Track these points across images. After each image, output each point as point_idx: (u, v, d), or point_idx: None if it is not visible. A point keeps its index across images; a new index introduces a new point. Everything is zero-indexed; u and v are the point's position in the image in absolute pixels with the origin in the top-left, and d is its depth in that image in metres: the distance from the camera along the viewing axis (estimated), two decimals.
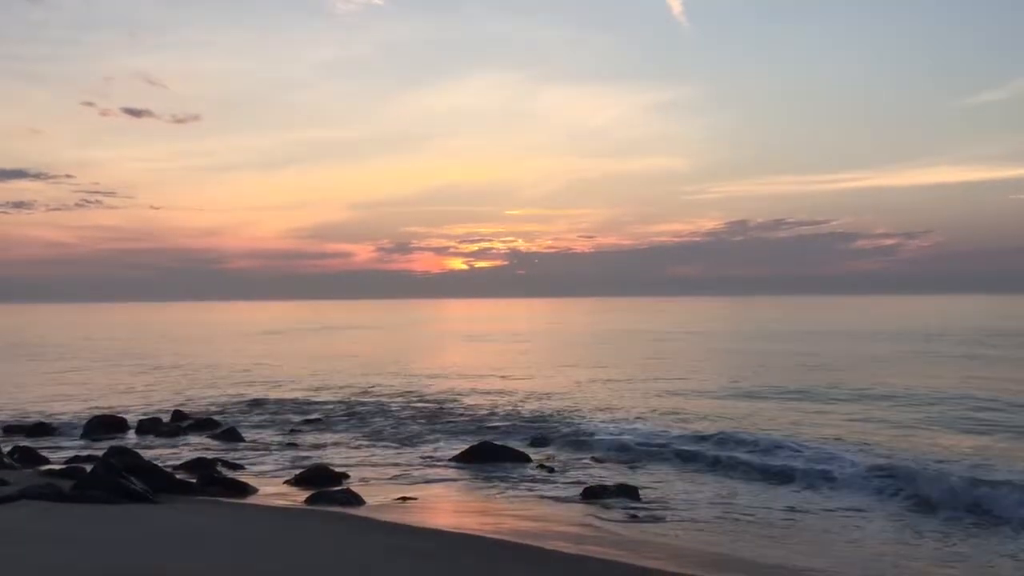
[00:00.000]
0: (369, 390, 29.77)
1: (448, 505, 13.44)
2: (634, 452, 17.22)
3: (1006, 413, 21.40)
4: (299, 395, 28.46)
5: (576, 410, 23.80)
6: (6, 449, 17.18)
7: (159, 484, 13.59)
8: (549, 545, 10.41)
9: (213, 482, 14.44)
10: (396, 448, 18.61)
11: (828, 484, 14.09)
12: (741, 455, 16.38)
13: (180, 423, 22.50)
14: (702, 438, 18.28)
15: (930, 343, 50.60)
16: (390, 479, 15.40)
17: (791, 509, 12.63)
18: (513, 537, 10.87)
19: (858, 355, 42.16)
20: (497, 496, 13.95)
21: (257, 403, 26.62)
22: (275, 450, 18.70)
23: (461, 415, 23.38)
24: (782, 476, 14.73)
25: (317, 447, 18.92)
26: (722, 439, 17.99)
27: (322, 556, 8.92)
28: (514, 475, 15.51)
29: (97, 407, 25.46)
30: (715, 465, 15.80)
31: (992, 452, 16.33)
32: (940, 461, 15.25)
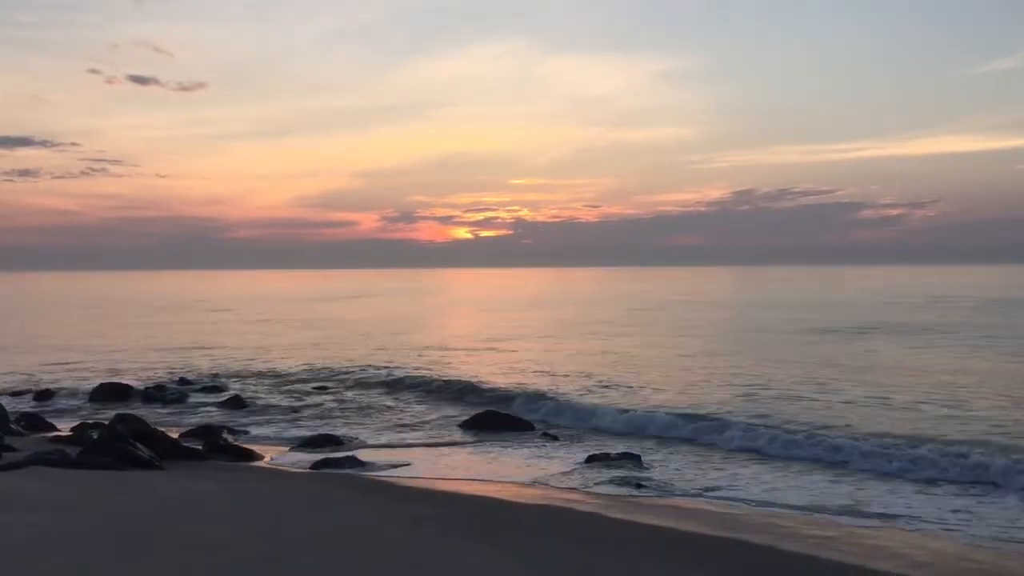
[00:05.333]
0: (372, 358, 29.85)
1: (453, 471, 13.50)
2: (635, 423, 17.20)
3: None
4: (302, 363, 28.55)
5: (575, 381, 23.86)
6: (13, 416, 17.27)
7: (165, 450, 13.69)
8: (557, 508, 10.53)
9: (219, 448, 14.55)
10: (399, 415, 18.70)
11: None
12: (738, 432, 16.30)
13: (185, 390, 22.62)
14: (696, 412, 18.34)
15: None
16: (395, 445, 15.49)
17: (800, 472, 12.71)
18: (520, 500, 11.00)
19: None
20: (502, 462, 14.04)
21: (261, 370, 26.72)
22: (280, 417, 18.81)
23: (464, 384, 23.41)
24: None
25: (321, 414, 19.02)
26: (719, 415, 18.03)
27: (331, 519, 8.99)
28: (518, 443, 15.59)
29: (103, 374, 25.58)
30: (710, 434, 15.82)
31: None
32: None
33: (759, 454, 14.31)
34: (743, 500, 11.39)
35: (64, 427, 16.95)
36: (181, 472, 12.35)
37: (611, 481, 12.44)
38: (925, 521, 10.30)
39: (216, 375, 25.70)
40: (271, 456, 14.49)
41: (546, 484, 12.40)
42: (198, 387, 23.19)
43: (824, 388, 20.81)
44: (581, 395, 20.67)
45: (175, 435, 15.38)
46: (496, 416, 17.54)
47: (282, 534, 8.14)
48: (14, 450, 13.20)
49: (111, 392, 21.76)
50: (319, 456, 14.02)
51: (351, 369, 26.73)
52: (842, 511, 10.79)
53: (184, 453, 14.01)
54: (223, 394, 21.85)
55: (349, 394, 21.89)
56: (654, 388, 21.52)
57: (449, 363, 28.21)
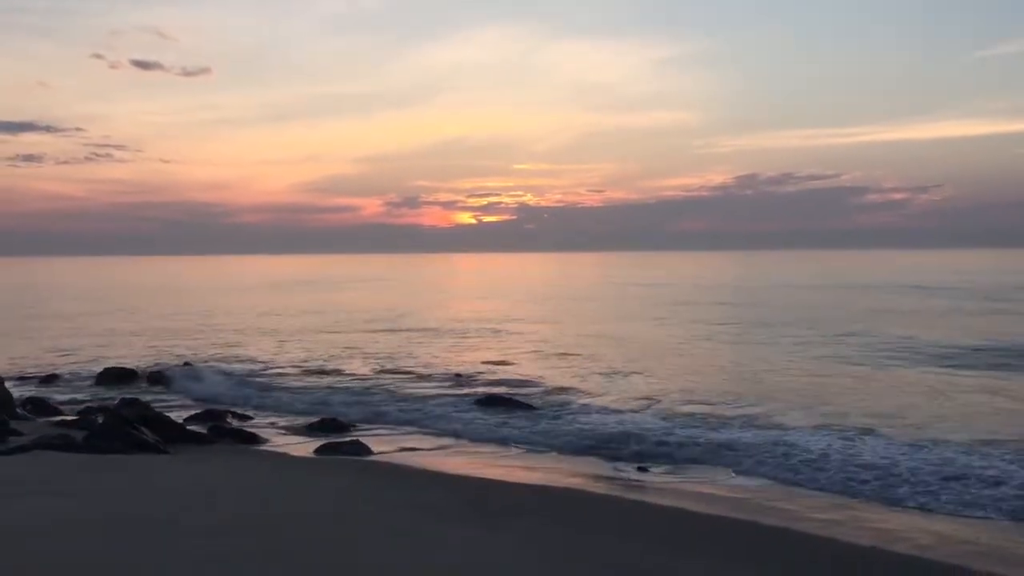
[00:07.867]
0: (372, 342, 29.90)
1: (456, 455, 13.53)
2: (634, 407, 17.28)
3: None
4: (304, 348, 28.60)
5: (573, 366, 23.90)
6: (19, 400, 17.34)
7: (170, 435, 13.73)
8: (564, 490, 10.60)
9: (223, 433, 14.61)
10: (401, 400, 18.70)
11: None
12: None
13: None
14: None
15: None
16: (397, 431, 15.53)
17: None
18: (526, 482, 11.07)
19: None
20: (505, 446, 14.08)
21: (266, 355, 26.76)
22: (283, 401, 18.85)
23: (464, 370, 23.44)
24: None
25: (324, 400, 19.03)
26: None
27: (335, 505, 9.01)
28: (521, 426, 15.60)
29: (108, 358, 25.64)
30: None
31: None
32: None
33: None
34: (745, 484, 11.43)
35: (70, 412, 17.01)
36: (186, 456, 12.39)
37: (616, 463, 12.51)
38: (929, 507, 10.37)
39: (220, 359, 25.73)
40: (275, 440, 14.54)
41: (551, 467, 12.45)
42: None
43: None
44: (579, 379, 20.73)
45: (179, 419, 15.42)
46: (498, 400, 17.56)
47: (285, 519, 8.17)
48: (20, 434, 13.27)
49: (116, 376, 21.82)
50: (323, 441, 14.06)
51: (352, 354, 26.76)
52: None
53: (189, 437, 14.06)
54: (227, 379, 21.86)
55: (353, 380, 21.89)
56: (647, 373, 21.63)
57: (449, 348, 28.27)
